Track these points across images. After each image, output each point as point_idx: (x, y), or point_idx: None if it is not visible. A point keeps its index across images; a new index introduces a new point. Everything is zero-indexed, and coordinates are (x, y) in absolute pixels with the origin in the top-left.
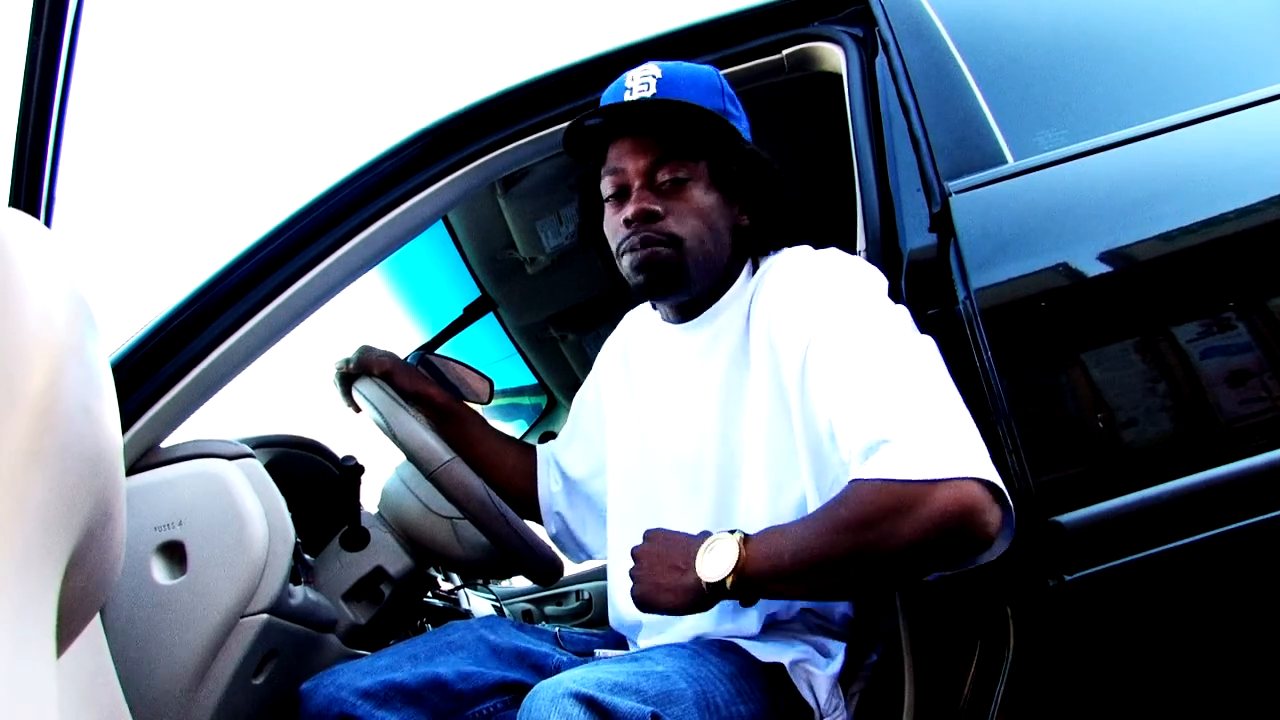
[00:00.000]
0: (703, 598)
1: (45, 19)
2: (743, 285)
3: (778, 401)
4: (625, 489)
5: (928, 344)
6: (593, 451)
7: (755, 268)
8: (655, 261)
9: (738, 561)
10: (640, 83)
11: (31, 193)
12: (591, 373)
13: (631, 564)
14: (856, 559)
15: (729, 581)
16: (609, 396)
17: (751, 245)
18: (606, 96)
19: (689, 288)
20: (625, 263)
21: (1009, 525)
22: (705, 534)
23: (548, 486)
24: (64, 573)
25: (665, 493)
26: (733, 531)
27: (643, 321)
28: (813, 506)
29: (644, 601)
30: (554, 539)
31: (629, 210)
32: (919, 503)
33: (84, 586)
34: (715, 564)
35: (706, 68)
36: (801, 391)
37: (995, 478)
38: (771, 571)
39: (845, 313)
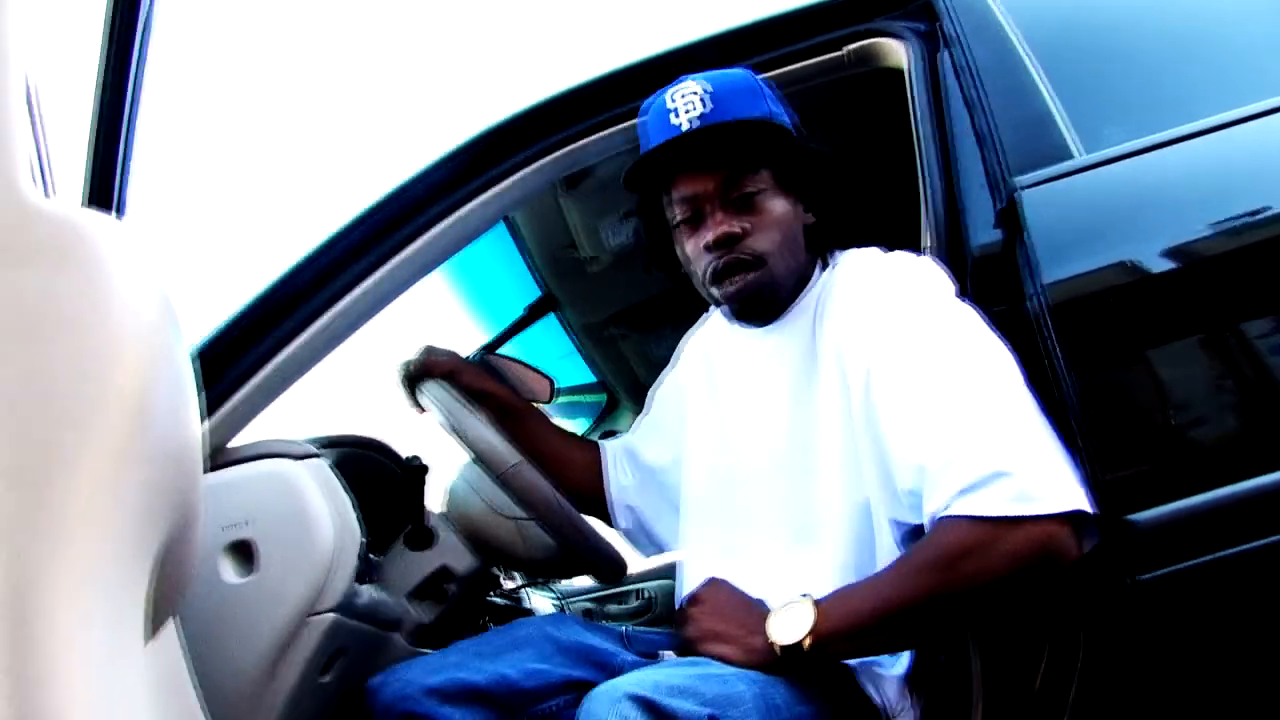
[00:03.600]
0: (773, 663)
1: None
2: (814, 285)
3: (845, 409)
4: (705, 485)
5: (997, 357)
6: (673, 443)
7: (825, 264)
8: (748, 293)
9: (813, 622)
10: (685, 104)
11: (105, 191)
12: (672, 366)
13: (701, 573)
14: (940, 601)
15: (806, 643)
16: (691, 391)
17: (820, 241)
18: (651, 122)
19: (779, 302)
20: (716, 292)
21: (1090, 535)
22: (762, 602)
23: (618, 482)
24: (152, 570)
25: (743, 492)
26: (804, 596)
27: (724, 320)
28: (877, 515)
29: (695, 641)
30: (625, 534)
31: (709, 235)
32: (1001, 540)
33: (165, 588)
34: (789, 626)
35: (741, 72)
36: (866, 408)
37: (1074, 502)
38: (850, 627)
39: (908, 333)
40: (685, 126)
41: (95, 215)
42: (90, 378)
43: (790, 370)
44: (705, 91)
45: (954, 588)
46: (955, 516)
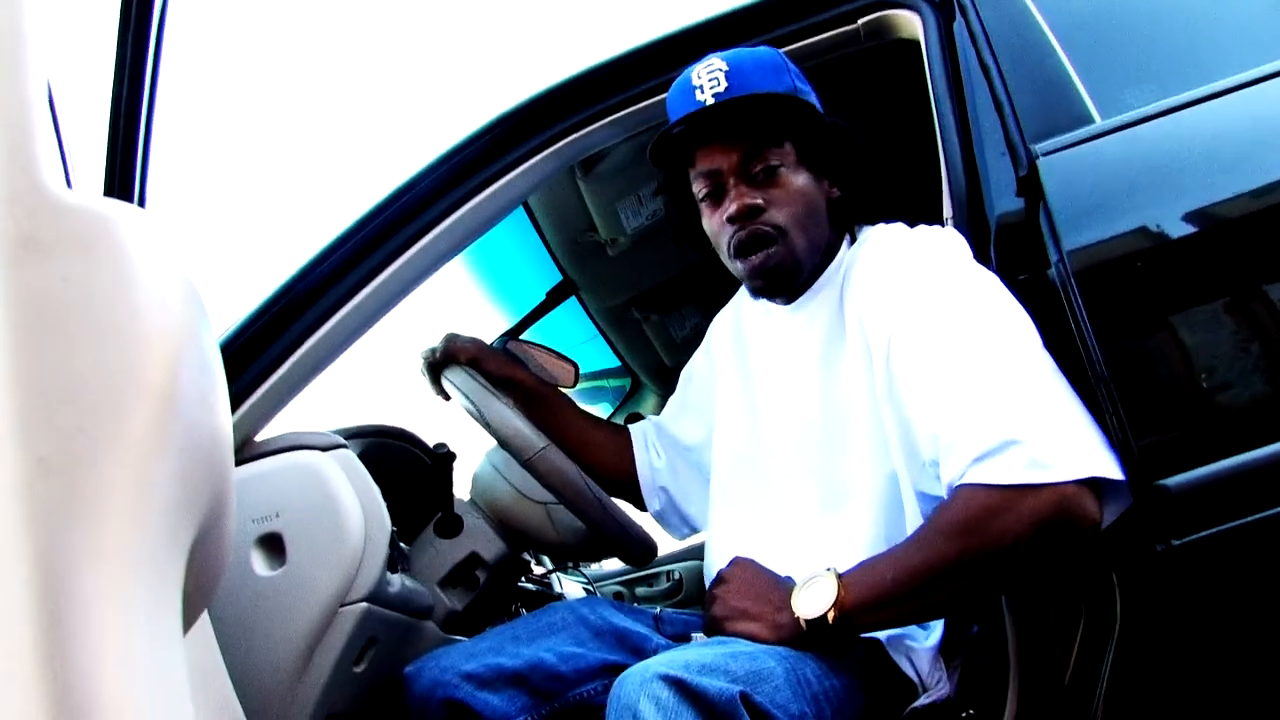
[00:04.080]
0: (799, 637)
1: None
2: (840, 260)
3: (869, 381)
4: (734, 460)
5: (1014, 324)
6: (705, 421)
7: (852, 239)
8: (769, 267)
9: (837, 595)
10: (709, 79)
11: (125, 185)
12: (703, 345)
13: (728, 552)
14: (959, 568)
15: (831, 616)
16: (721, 368)
17: (845, 216)
18: (675, 97)
19: (800, 277)
20: (739, 267)
21: (1120, 500)
22: (789, 579)
23: (649, 463)
24: (186, 560)
25: (773, 466)
26: (827, 570)
27: (751, 297)
28: (904, 487)
29: (722, 620)
30: (657, 516)
31: (730, 208)
32: (1017, 505)
33: (199, 579)
34: (814, 600)
35: (766, 49)
36: (888, 379)
37: (1090, 468)
38: (874, 598)
39: (926, 303)
40: (708, 101)
41: (119, 205)
42: (119, 367)
43: (818, 344)
44: (728, 67)
45: (973, 554)
46: (970, 485)
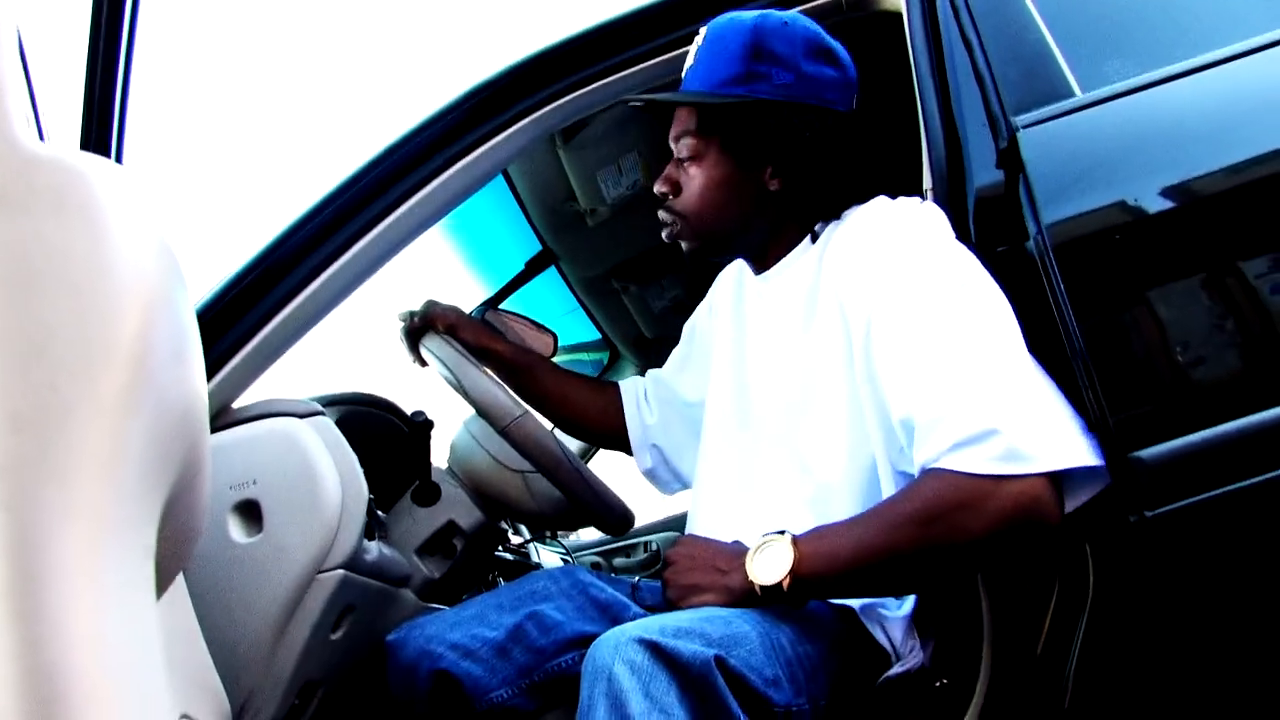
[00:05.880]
0: (752, 600)
1: None
2: (809, 243)
3: (846, 358)
4: (720, 423)
5: (994, 309)
6: (705, 378)
7: (813, 234)
8: (671, 242)
9: (793, 563)
10: (691, 54)
11: (102, 134)
12: (706, 298)
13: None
14: (919, 555)
15: (785, 583)
16: (719, 325)
17: (798, 205)
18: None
19: (713, 253)
20: None
21: (1098, 478)
22: (738, 543)
23: (641, 420)
24: (159, 523)
25: (755, 434)
26: (781, 532)
27: None
28: (883, 469)
29: (677, 601)
30: (648, 473)
31: (656, 183)
32: (987, 498)
33: (173, 541)
34: (769, 566)
35: (744, 25)
36: (867, 360)
37: (1066, 459)
38: (829, 570)
39: (906, 284)
40: (683, 76)
41: (93, 159)
42: (91, 324)
43: (794, 318)
44: (702, 43)
45: (934, 543)
46: (943, 470)
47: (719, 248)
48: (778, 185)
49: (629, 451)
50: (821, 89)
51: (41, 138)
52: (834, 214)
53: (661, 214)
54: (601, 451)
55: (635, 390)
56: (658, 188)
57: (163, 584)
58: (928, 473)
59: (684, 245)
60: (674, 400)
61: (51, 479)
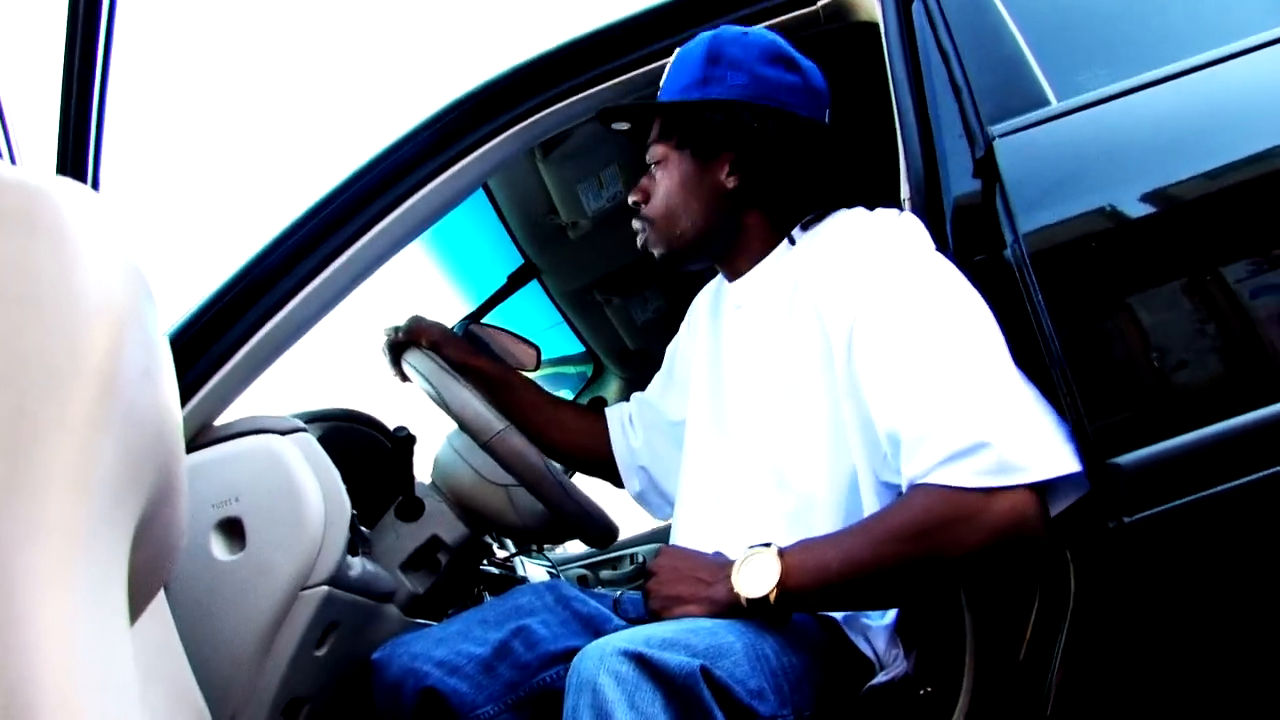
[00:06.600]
0: (736, 612)
1: None
2: (785, 248)
3: (827, 370)
4: (700, 441)
5: (977, 320)
6: (688, 396)
7: (781, 232)
8: (648, 251)
9: (780, 575)
10: (665, 74)
11: (78, 160)
12: (685, 319)
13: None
14: (909, 569)
15: (772, 596)
16: (698, 344)
17: (761, 206)
18: None
19: (682, 258)
20: None
21: (1076, 488)
22: (719, 554)
23: (627, 444)
24: (132, 542)
25: (733, 447)
26: (766, 545)
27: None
28: (864, 481)
29: (660, 612)
30: (638, 497)
31: (630, 195)
32: (979, 512)
33: (150, 559)
34: (755, 579)
35: (704, 37)
36: (849, 373)
37: (1055, 468)
38: (816, 584)
39: (889, 297)
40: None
41: (62, 182)
42: (59, 346)
43: (764, 327)
44: (673, 63)
45: (922, 558)
46: (933, 485)
47: (687, 252)
48: (735, 182)
49: (614, 478)
50: (777, 91)
51: (13, 161)
52: (803, 219)
53: (634, 222)
54: None
55: (620, 414)
56: (631, 197)
57: (141, 601)
58: (917, 487)
59: (655, 252)
60: (659, 422)
61: (21, 496)
